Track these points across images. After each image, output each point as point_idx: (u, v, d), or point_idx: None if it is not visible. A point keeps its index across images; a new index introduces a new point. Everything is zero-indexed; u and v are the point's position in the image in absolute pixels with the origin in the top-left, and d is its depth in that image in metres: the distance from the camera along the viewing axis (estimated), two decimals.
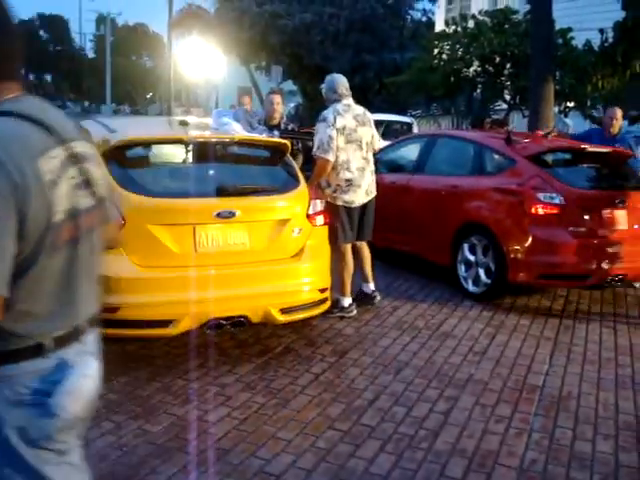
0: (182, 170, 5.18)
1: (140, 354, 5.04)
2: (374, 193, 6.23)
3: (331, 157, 5.82)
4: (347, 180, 5.98)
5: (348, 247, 6.14)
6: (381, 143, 6.09)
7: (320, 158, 5.83)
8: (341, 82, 6.06)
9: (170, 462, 3.54)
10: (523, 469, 3.60)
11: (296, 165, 5.66)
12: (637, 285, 7.34)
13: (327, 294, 5.34)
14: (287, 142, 5.49)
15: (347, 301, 6.13)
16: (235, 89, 42.15)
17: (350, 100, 6.07)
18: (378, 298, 6.42)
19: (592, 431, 4.05)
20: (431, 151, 8.13)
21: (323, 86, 6.13)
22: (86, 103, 76.46)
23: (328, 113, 5.93)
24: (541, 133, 8.21)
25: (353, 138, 5.96)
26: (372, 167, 6.21)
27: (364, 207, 6.15)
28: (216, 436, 3.82)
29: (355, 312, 6.13)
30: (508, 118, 15.78)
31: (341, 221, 6.00)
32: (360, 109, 6.13)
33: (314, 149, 5.88)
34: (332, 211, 5.85)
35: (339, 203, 6.00)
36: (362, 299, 6.38)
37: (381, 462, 3.62)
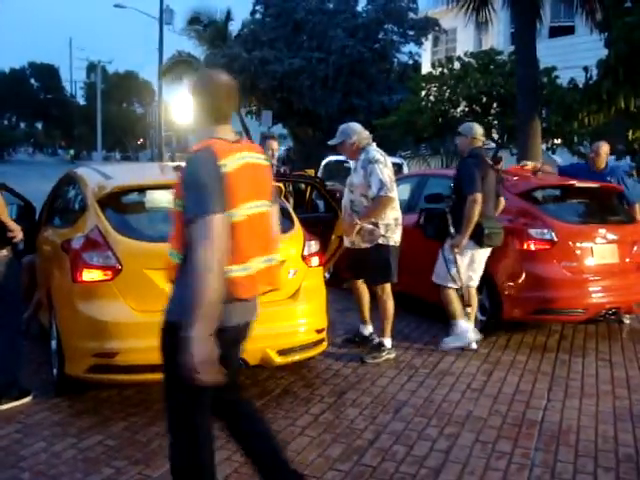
0: None
1: (138, 399, 5.02)
2: None
3: (395, 195, 5.87)
4: (395, 219, 5.99)
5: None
6: None
7: (386, 197, 5.74)
8: (362, 128, 6.12)
9: None
10: None
11: (290, 207, 5.72)
12: (626, 320, 7.35)
13: (324, 335, 5.36)
14: (280, 185, 5.55)
15: (390, 342, 6.13)
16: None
17: None
18: (376, 340, 6.31)
19: (593, 464, 4.05)
20: (422, 191, 8.20)
21: (342, 136, 6.04)
22: (72, 151, 76.81)
23: (374, 154, 5.91)
24: (528, 167, 8.18)
25: (393, 178, 6.03)
26: None
27: None
28: None
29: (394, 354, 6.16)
30: (501, 156, 15.90)
31: (393, 260, 5.99)
32: None
33: (375, 190, 5.72)
34: (381, 252, 5.91)
35: (392, 243, 5.97)
36: (361, 341, 6.39)
37: None
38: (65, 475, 3.83)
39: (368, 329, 6.42)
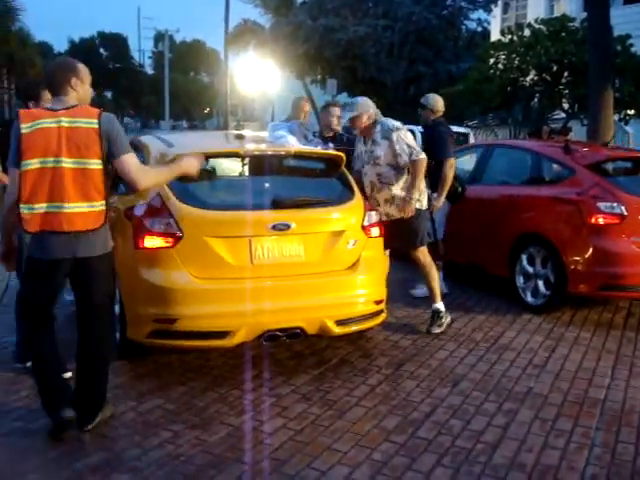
0: (238, 183, 5.23)
1: (197, 364, 5.10)
2: None
3: (424, 156, 5.88)
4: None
5: None
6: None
7: (420, 159, 5.76)
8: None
9: (226, 472, 3.56)
10: None
11: (351, 177, 5.66)
12: None
13: (382, 306, 5.32)
14: (342, 154, 5.50)
15: (443, 305, 6.17)
16: (290, 102, 42.44)
17: None
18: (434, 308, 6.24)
19: None
20: (488, 161, 8.04)
21: (362, 109, 5.93)
22: (137, 122, 77.69)
23: (392, 122, 5.95)
24: None
25: None
26: None
27: None
28: (272, 447, 3.83)
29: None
30: (570, 127, 15.41)
31: (427, 223, 6.20)
32: None
33: (406, 158, 5.75)
34: (420, 217, 5.97)
35: (424, 207, 6.06)
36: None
37: (438, 475, 3.58)
38: (124, 437, 3.92)
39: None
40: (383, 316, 5.39)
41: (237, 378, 4.82)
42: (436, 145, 6.80)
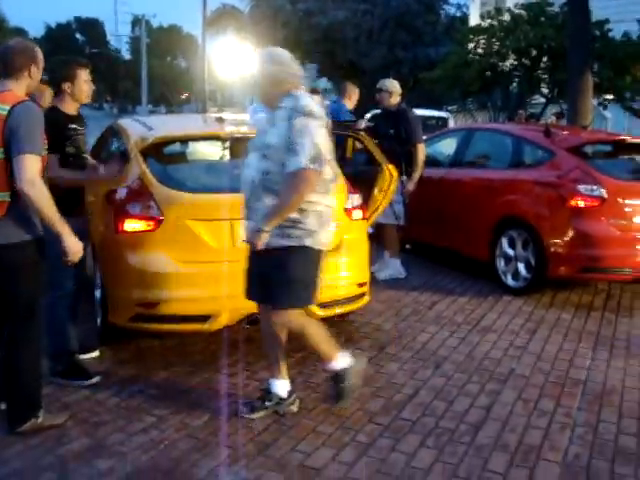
0: (219, 166, 5.19)
1: (180, 349, 5.07)
2: None
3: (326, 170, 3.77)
4: (328, 206, 3.90)
5: None
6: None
7: (309, 171, 3.56)
8: (293, 61, 3.90)
9: (211, 456, 3.55)
10: (566, 463, 3.55)
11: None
12: None
13: (365, 288, 5.31)
14: None
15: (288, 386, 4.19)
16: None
17: None
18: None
19: (636, 425, 3.97)
20: (468, 145, 8.05)
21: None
22: (113, 107, 76.91)
23: (308, 102, 3.68)
24: None
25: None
26: None
27: None
28: (256, 430, 3.82)
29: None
30: (563, 112, 15.31)
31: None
32: None
33: (302, 160, 3.51)
34: (307, 257, 3.82)
35: (317, 246, 3.85)
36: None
37: (422, 456, 3.59)
38: (108, 423, 3.88)
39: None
40: (366, 299, 5.38)
41: (220, 362, 4.79)
42: (408, 129, 7.00)
